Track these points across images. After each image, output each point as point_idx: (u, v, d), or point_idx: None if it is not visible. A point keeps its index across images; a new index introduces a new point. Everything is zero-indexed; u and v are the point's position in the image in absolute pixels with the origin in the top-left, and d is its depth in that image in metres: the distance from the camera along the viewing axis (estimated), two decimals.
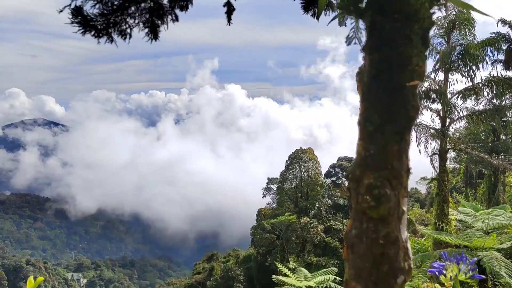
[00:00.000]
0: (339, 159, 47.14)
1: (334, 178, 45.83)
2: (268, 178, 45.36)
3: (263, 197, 44.86)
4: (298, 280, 22.62)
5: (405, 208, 0.92)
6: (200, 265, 47.09)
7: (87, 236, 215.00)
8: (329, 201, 42.08)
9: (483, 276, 2.31)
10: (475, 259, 2.43)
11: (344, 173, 45.68)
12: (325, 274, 22.22)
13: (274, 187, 44.07)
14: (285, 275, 22.73)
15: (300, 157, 41.59)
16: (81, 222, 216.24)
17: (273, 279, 21.92)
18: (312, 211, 37.69)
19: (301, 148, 42.82)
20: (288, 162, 41.85)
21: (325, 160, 50.57)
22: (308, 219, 31.30)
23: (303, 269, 23.91)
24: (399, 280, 0.90)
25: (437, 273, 2.27)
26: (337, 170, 45.78)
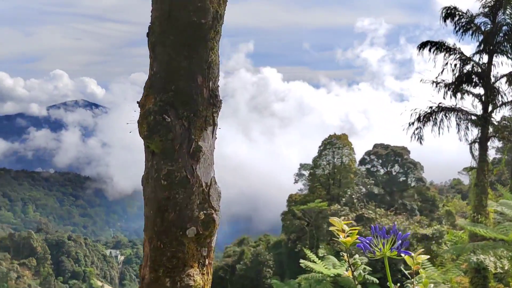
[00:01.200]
0: (375, 146, 45.85)
1: (368, 166, 44.72)
2: (300, 164, 44.87)
3: (294, 183, 44.52)
4: (326, 268, 22.28)
5: (205, 144, 0.72)
6: (231, 248, 47.56)
7: (124, 215, 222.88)
8: (362, 189, 41.16)
9: (411, 253, 2.03)
10: (408, 233, 2.20)
11: (380, 160, 44.51)
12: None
13: (306, 173, 43.56)
14: (314, 262, 22.44)
15: (334, 143, 40.75)
16: (119, 201, 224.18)
17: (301, 264, 21.71)
18: (344, 199, 36.98)
19: (335, 134, 41.91)
20: (321, 148, 41.12)
21: (361, 147, 49.46)
22: (339, 207, 30.76)
23: (332, 257, 23.53)
24: (189, 232, 0.71)
25: (363, 247, 2.02)
26: (372, 157, 44.60)
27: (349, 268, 2.31)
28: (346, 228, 2.26)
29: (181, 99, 0.73)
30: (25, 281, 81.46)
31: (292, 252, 34.31)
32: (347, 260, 2.30)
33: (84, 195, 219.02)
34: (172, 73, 0.74)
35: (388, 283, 2.13)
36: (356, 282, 2.23)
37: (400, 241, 2.08)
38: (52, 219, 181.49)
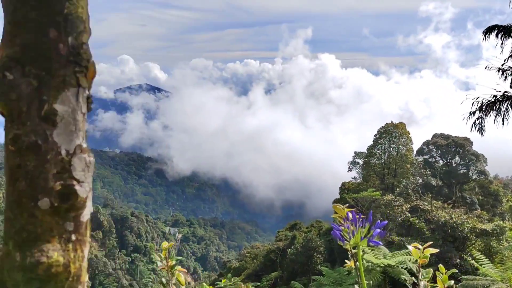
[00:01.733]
0: (434, 136, 44.07)
1: (426, 156, 43.17)
2: (355, 152, 44.30)
3: (348, 171, 44.10)
4: (376, 257, 22.28)
5: (64, 108, 0.69)
6: (282, 233, 48.39)
7: (183, 195, 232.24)
8: (419, 180, 39.95)
9: (380, 243, 1.93)
10: (385, 222, 2.05)
11: (439, 151, 42.78)
12: (407, 255, 21.50)
13: (361, 161, 42.98)
14: (363, 251, 22.49)
15: (390, 132, 39.76)
16: (178, 182, 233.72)
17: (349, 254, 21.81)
18: (398, 189, 36.17)
19: (391, 122, 40.83)
20: (377, 136, 40.31)
21: (420, 137, 47.74)
22: (393, 197, 30.21)
23: (383, 247, 23.42)
24: (42, 204, 0.69)
25: (338, 236, 2.00)
26: (431, 147, 42.95)
27: (351, 258, 2.24)
28: (350, 216, 2.17)
29: (29, 54, 0.68)
30: (92, 252, 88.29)
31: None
32: (348, 249, 2.20)
33: (146, 175, 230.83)
34: (18, 25, 0.68)
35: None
36: (358, 273, 2.17)
37: (377, 230, 1.95)
38: (117, 195, 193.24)
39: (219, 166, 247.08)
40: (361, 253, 2.00)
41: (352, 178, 43.45)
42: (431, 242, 2.30)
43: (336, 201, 36.90)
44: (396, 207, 29.28)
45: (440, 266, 2.34)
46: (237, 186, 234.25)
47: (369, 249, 23.29)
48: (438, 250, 2.39)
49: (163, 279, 2.42)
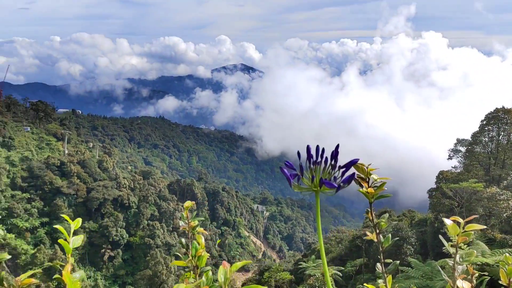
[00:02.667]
0: None
1: None
2: (457, 139, 40.90)
3: (448, 159, 40.97)
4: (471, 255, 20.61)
5: None
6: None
7: (272, 174, 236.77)
8: None
9: (335, 185, 1.53)
10: (356, 160, 1.69)
11: None
12: (510, 254, 19.48)
13: (463, 149, 39.60)
14: (460, 247, 20.95)
15: (501, 118, 35.87)
16: (267, 161, 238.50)
17: (444, 250, 20.51)
18: (505, 182, 32.69)
19: (503, 107, 36.74)
20: (484, 122, 36.65)
21: None
22: (498, 190, 27.42)
23: (482, 243, 21.59)
24: None
25: (289, 179, 1.61)
26: None
27: (373, 230, 1.98)
28: (374, 176, 1.92)
29: None
30: None
31: (438, 232, 32.29)
32: (370, 218, 1.97)
33: (237, 152, 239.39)
34: None
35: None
36: (381, 248, 1.86)
37: (343, 172, 1.61)
38: (211, 170, 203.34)
39: None
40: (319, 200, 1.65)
41: (452, 167, 40.32)
42: (475, 216, 2.05)
43: (432, 191, 34.69)
44: (502, 202, 26.55)
45: (506, 255, 2.00)
46: None
47: (465, 244, 21.60)
48: (484, 227, 2.05)
49: (183, 240, 2.51)
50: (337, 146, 1.65)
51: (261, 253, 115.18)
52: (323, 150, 1.64)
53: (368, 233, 2.11)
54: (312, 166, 1.66)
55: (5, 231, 68.96)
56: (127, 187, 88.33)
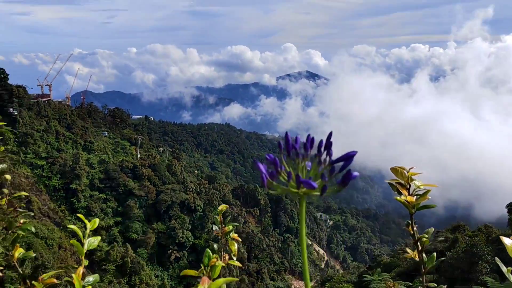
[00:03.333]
0: None
1: None
2: None
3: None
4: None
5: None
6: (443, 234, 44.44)
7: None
8: None
9: (314, 185, 1.13)
10: (354, 152, 1.18)
11: None
12: None
13: None
14: None
15: None
16: None
17: None
18: None
19: None
20: None
21: None
22: None
23: None
24: None
25: (263, 176, 1.15)
26: None
27: (415, 246, 1.55)
28: (417, 182, 1.52)
29: None
30: (250, 227, 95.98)
31: None
32: (411, 232, 1.54)
33: None
34: None
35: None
36: (423, 269, 1.43)
37: (341, 170, 1.14)
38: None
39: (373, 156, 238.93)
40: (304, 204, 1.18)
41: None
42: None
43: (511, 205, 32.12)
44: None
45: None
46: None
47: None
48: None
49: (215, 245, 2.28)
50: (330, 134, 1.20)
51: (324, 262, 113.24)
52: (312, 139, 1.19)
53: (409, 250, 1.70)
54: (292, 159, 1.16)
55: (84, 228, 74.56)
56: (194, 190, 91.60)
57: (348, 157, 1.14)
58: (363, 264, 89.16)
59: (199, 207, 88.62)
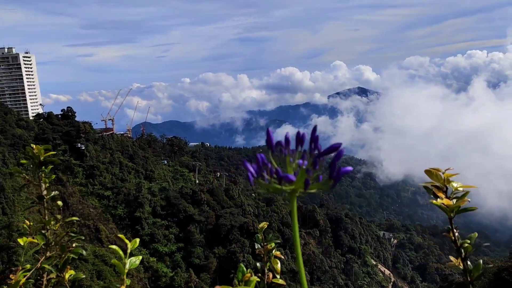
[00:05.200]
0: None
1: None
2: None
3: None
4: None
5: None
6: None
7: (398, 199, 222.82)
8: None
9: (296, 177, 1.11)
10: (338, 144, 1.11)
11: None
12: None
13: None
14: None
15: None
16: (392, 186, 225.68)
17: None
18: None
19: None
20: None
21: None
22: None
23: None
24: None
25: (250, 175, 1.09)
26: None
27: (458, 253, 1.46)
28: (454, 184, 1.37)
29: None
30: (310, 248, 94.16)
31: None
32: (452, 238, 1.44)
33: (358, 177, 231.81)
34: None
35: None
36: (469, 278, 1.33)
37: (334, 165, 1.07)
38: (332, 196, 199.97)
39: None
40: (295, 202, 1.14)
41: None
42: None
43: None
44: None
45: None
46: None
47: None
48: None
49: (258, 264, 2.16)
50: (315, 128, 1.15)
51: (391, 283, 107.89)
52: (303, 135, 1.14)
53: (452, 258, 1.59)
54: (276, 155, 1.13)
55: (148, 254, 77.21)
56: (252, 213, 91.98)
57: (332, 150, 1.07)
58: (433, 285, 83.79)
59: (258, 230, 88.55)
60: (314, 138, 1.09)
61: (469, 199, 1.48)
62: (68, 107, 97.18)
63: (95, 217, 79.44)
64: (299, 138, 1.12)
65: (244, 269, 2.06)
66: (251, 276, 2.04)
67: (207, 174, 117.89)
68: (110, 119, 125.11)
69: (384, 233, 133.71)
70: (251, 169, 1.08)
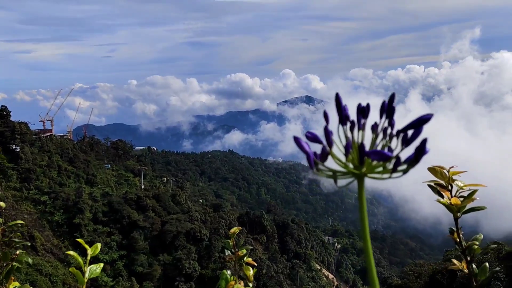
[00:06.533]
0: None
1: None
2: None
3: None
4: None
5: None
6: (452, 252, 43.69)
7: (342, 205, 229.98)
8: None
9: (389, 154, 0.89)
10: (429, 115, 0.91)
11: None
12: None
13: None
14: None
15: None
16: (337, 192, 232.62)
17: None
18: None
19: None
20: None
21: None
22: None
23: None
24: None
25: (310, 156, 0.86)
26: None
27: (462, 256, 1.30)
28: (459, 182, 1.23)
29: None
30: (257, 254, 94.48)
31: None
32: (457, 239, 1.25)
33: (305, 184, 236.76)
34: None
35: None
36: (474, 282, 1.16)
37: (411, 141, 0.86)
38: (280, 202, 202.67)
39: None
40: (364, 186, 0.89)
41: None
42: None
43: None
44: None
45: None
46: (398, 200, 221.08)
47: None
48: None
49: (228, 271, 1.99)
50: (393, 96, 0.87)
51: (334, 287, 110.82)
52: (368, 107, 0.91)
53: (455, 261, 1.48)
54: (347, 129, 0.87)
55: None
56: (199, 220, 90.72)
57: (421, 122, 0.83)
58: None
59: (205, 236, 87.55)
60: (391, 109, 0.82)
61: (477, 198, 1.37)
62: (2, 106, 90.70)
63: (29, 224, 74.49)
64: (362, 108, 0.85)
65: (228, 276, 1.91)
66: (235, 283, 1.94)
67: (154, 179, 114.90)
68: (49, 120, 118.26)
69: (328, 238, 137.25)
70: (309, 149, 0.86)
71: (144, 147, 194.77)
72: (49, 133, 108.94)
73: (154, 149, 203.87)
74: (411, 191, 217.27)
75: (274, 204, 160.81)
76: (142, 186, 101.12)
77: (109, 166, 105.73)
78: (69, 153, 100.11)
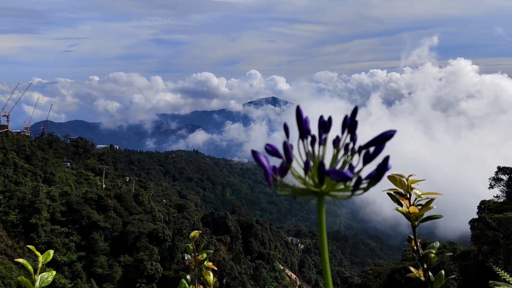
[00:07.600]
0: None
1: None
2: (498, 167, 39.34)
3: (489, 188, 39.35)
4: None
5: None
6: (410, 252, 45.23)
7: (306, 206, 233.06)
8: None
9: (349, 175, 0.82)
10: (392, 131, 0.91)
11: None
12: None
13: (505, 177, 37.98)
14: (508, 282, 19.77)
15: None
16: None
17: (490, 284, 19.36)
18: None
19: None
20: None
21: None
22: None
23: None
24: None
25: (268, 172, 0.85)
26: None
27: (418, 263, 1.35)
28: (417, 190, 1.29)
29: None
30: (221, 254, 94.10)
31: (483, 266, 30.66)
32: (414, 247, 1.30)
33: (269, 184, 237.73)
34: None
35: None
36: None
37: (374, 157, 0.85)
38: (245, 203, 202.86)
39: None
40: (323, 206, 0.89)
41: (494, 196, 38.62)
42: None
43: (474, 222, 33.23)
44: None
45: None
46: (359, 202, 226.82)
47: None
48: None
49: (188, 276, 2.03)
50: (355, 109, 0.85)
51: (297, 287, 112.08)
52: (330, 119, 0.88)
53: (412, 269, 1.51)
54: (308, 144, 0.85)
55: (44, 265, 70.69)
56: (162, 220, 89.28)
57: (384, 139, 0.78)
58: (334, 287, 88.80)
59: (168, 237, 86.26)
60: (353, 123, 0.78)
61: (434, 206, 1.41)
62: None
63: None
64: (324, 122, 0.79)
65: (186, 284, 1.91)
66: None
67: (115, 178, 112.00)
68: (4, 116, 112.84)
69: (292, 239, 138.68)
70: (267, 165, 0.80)
71: (106, 146, 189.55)
72: (5, 129, 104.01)
73: (116, 147, 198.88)
74: (372, 194, 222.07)
75: (238, 205, 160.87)
76: (104, 186, 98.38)
77: (69, 165, 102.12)
78: (26, 151, 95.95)
